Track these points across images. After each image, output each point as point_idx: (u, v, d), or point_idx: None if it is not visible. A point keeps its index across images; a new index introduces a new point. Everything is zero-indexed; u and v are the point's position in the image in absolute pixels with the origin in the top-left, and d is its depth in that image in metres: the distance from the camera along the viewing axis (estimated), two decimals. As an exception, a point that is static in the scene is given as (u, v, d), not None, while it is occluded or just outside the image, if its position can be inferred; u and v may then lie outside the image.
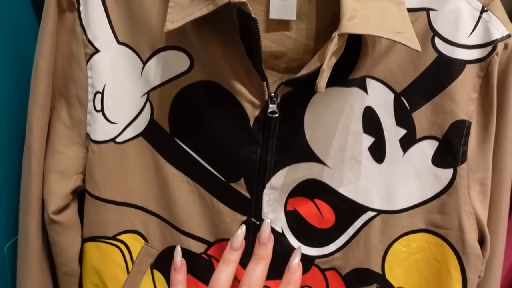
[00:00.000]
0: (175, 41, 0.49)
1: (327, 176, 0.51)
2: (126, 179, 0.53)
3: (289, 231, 0.53)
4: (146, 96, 0.51)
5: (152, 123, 0.52)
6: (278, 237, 0.53)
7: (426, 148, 0.49)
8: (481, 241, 0.50)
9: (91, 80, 0.51)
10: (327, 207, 0.52)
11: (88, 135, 0.52)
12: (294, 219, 0.52)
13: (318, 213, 0.52)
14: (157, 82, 0.51)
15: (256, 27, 0.43)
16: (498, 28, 0.46)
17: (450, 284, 0.50)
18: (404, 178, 0.50)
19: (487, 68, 0.46)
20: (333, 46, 0.41)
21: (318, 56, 0.46)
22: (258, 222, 0.52)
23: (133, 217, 0.54)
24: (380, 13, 0.42)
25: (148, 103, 0.51)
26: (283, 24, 0.50)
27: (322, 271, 0.54)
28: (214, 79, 0.49)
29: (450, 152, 0.48)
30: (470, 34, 0.46)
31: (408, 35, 0.43)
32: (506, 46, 0.46)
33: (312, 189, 0.52)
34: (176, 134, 0.51)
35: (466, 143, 0.48)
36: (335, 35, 0.41)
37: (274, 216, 0.52)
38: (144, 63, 0.50)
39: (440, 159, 0.49)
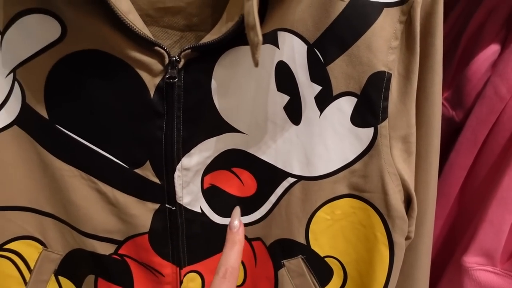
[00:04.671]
0: (37, 2, 0.39)
1: (243, 143, 0.45)
2: (4, 178, 0.44)
3: (209, 209, 0.47)
4: (12, 75, 0.41)
5: (25, 108, 0.42)
6: (198, 217, 0.47)
7: (344, 106, 0.44)
8: (408, 201, 0.47)
9: None
10: (247, 173, 0.46)
11: None
12: (213, 195, 0.47)
13: (238, 182, 0.47)
14: (23, 56, 0.41)
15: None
16: None
17: (376, 248, 0.47)
18: (322, 141, 0.44)
19: (409, 11, 0.41)
20: (255, 5, 0.33)
21: (226, 16, 0.39)
22: (173, 208, 0.46)
23: (23, 221, 0.46)
24: None
25: (16, 84, 0.42)
26: (173, -28, 0.41)
27: (249, 241, 0.49)
28: (98, 47, 0.40)
29: (369, 109, 0.43)
30: None
31: None
32: None
33: (229, 159, 0.46)
34: (57, 120, 0.42)
35: (386, 98, 0.43)
36: None
37: (190, 198, 0.46)
38: (2, 33, 0.40)
39: (360, 118, 0.44)
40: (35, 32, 0.40)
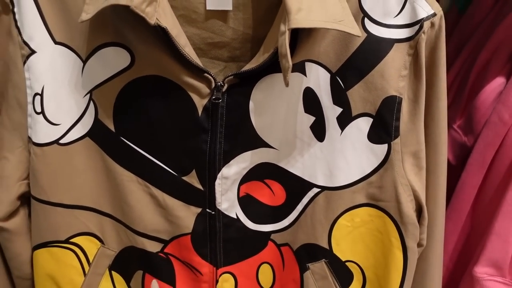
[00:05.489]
0: (114, 37, 0.49)
1: (275, 158, 0.52)
2: (75, 181, 0.53)
3: (243, 215, 0.54)
4: (88, 95, 0.51)
5: (97, 123, 0.51)
6: (234, 223, 0.54)
7: (362, 125, 0.51)
8: (419, 210, 0.53)
9: (29, 82, 0.50)
10: (277, 185, 0.53)
11: (30, 138, 0.51)
12: (247, 203, 0.54)
13: (270, 192, 0.54)
14: (99, 80, 0.50)
15: (167, 34, 0.44)
16: (424, 8, 0.48)
17: (391, 253, 0.52)
18: (343, 155, 0.51)
19: (416, 46, 0.48)
20: (287, 40, 0.41)
21: (264, 49, 0.48)
22: (213, 212, 0.53)
23: (86, 219, 0.54)
24: (322, 2, 0.44)
25: (91, 103, 0.51)
26: (221, 15, 0.51)
27: (278, 246, 0.55)
28: (158, 73, 0.49)
29: (383, 127, 0.50)
30: (397, 15, 0.48)
31: (349, 22, 0.44)
32: (432, 24, 0.48)
33: (262, 172, 0.53)
34: (122, 133, 0.51)
35: (398, 119, 0.50)
36: (285, 29, 0.42)
37: (228, 204, 0.53)
38: (84, 61, 0.50)
39: (375, 135, 0.51)
40: (110, 61, 0.49)
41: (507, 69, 0.61)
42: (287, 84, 0.42)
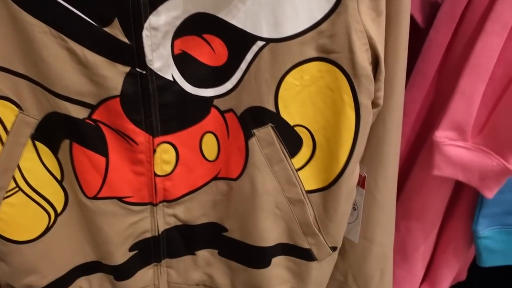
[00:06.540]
0: None
1: (213, 7, 0.45)
2: None
3: (180, 76, 0.48)
4: None
5: None
6: (170, 86, 0.48)
7: None
8: (376, 64, 0.47)
9: None
10: (217, 41, 0.47)
11: None
12: (184, 61, 0.47)
13: (209, 49, 0.47)
14: None
15: None
16: None
17: (343, 111, 0.47)
18: (291, 0, 0.44)
19: None
20: None
21: None
22: (144, 72, 0.46)
23: None
24: None
25: None
26: None
27: (222, 113, 0.50)
28: None
29: None
30: None
31: None
32: None
33: (199, 24, 0.46)
34: None
35: None
36: None
37: (161, 63, 0.46)
38: None
39: None
40: None
41: None
42: None
